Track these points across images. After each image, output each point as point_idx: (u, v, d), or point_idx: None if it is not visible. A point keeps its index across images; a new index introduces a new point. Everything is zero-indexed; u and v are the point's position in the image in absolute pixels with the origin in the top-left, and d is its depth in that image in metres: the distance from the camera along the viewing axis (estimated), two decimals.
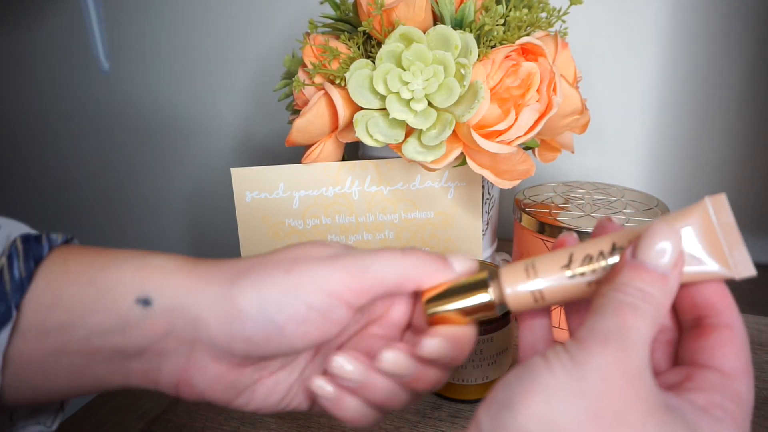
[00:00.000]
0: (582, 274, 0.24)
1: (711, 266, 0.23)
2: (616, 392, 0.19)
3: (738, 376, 0.22)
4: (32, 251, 0.25)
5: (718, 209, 0.23)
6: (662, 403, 0.20)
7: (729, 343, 0.23)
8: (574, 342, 0.21)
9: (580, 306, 0.27)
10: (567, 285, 0.24)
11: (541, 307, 0.26)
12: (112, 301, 0.25)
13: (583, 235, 0.44)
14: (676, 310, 0.25)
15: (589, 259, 0.24)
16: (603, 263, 0.24)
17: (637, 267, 0.22)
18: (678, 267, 0.22)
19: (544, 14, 0.46)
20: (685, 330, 0.24)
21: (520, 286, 0.25)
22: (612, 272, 0.23)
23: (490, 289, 0.26)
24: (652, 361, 0.24)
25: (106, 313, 0.25)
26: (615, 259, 0.24)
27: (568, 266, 0.24)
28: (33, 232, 0.27)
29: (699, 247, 0.23)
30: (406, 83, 0.41)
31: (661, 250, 0.22)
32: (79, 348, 0.25)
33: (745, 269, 0.23)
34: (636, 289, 0.22)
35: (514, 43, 0.43)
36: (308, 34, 0.47)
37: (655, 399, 0.20)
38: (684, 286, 0.24)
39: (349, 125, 0.45)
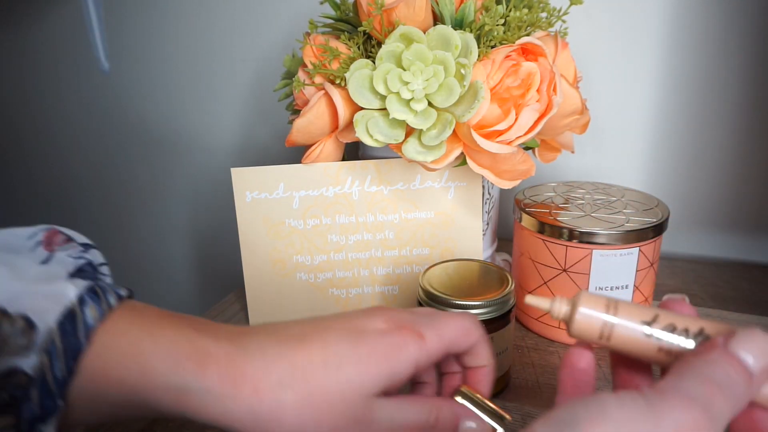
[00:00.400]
0: (658, 339, 0.24)
1: None
2: None
3: None
4: (73, 339, 0.25)
5: None
6: None
7: None
8: (653, 391, 0.21)
9: (631, 364, 0.27)
10: (638, 338, 0.24)
11: (599, 346, 0.26)
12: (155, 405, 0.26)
13: (585, 235, 0.44)
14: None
15: (672, 328, 0.24)
16: (683, 339, 0.24)
17: (729, 354, 0.22)
18: (765, 374, 0.23)
19: (544, 14, 0.46)
20: None
21: (595, 312, 0.25)
22: (700, 349, 0.23)
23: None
24: None
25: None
26: (692, 343, 0.24)
27: (649, 324, 0.24)
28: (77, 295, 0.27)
29: None
30: (406, 83, 0.41)
31: (754, 350, 0.22)
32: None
33: None
34: (725, 372, 0.22)
35: (514, 43, 0.43)
36: (308, 34, 0.47)
37: None
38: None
39: (349, 125, 0.45)
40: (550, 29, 0.46)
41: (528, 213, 0.47)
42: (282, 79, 0.52)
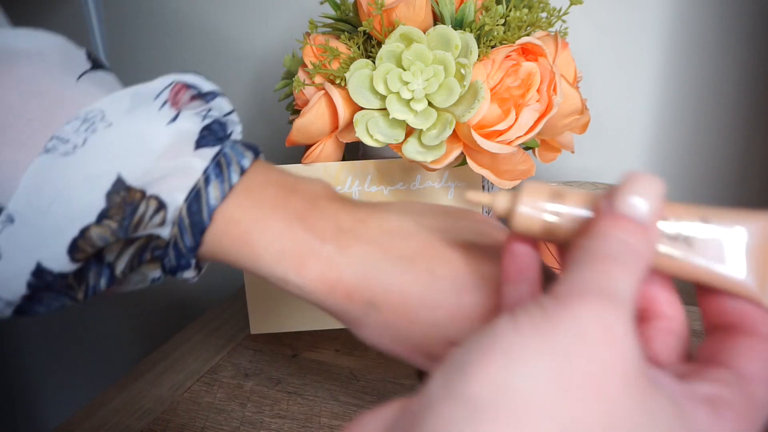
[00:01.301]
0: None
1: (743, 277, 0.21)
2: (593, 353, 0.16)
3: (760, 382, 0.20)
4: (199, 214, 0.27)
5: None
6: (648, 377, 0.17)
7: (760, 351, 0.20)
8: (549, 297, 0.18)
9: None
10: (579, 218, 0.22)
11: (547, 240, 0.23)
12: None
13: None
14: (702, 310, 0.23)
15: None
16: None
17: (615, 216, 0.20)
18: (658, 215, 0.20)
19: (544, 14, 0.46)
20: (709, 332, 0.22)
21: (539, 203, 0.22)
22: (588, 224, 0.21)
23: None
24: (650, 347, 0.22)
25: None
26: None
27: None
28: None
29: (743, 254, 0.21)
30: (406, 83, 0.41)
31: (641, 200, 0.20)
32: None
33: None
34: (617, 240, 0.19)
35: (514, 43, 0.43)
36: (308, 34, 0.47)
37: (638, 367, 0.17)
38: (716, 291, 0.22)
39: (349, 125, 0.45)
40: (550, 29, 0.46)
41: None
42: (282, 79, 0.52)
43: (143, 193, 0.26)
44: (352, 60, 0.44)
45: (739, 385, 0.19)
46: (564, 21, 0.47)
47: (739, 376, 0.20)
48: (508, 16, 0.43)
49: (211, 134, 0.28)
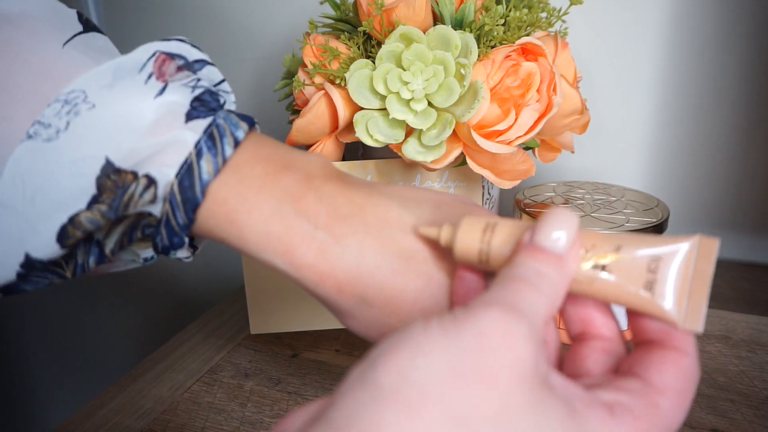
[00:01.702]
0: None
1: (661, 300, 0.22)
2: (489, 350, 0.17)
3: (665, 392, 0.20)
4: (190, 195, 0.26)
5: (704, 252, 0.23)
6: (543, 379, 0.18)
7: (672, 363, 0.21)
8: (461, 308, 0.19)
9: None
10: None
11: (484, 269, 0.25)
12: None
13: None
14: (629, 327, 0.24)
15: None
16: None
17: (533, 248, 0.21)
18: (574, 250, 0.22)
19: (544, 14, 0.46)
20: (634, 345, 0.23)
21: (472, 236, 0.24)
22: (509, 256, 0.22)
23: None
24: (583, 365, 0.23)
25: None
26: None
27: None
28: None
29: (665, 278, 0.22)
30: (406, 83, 0.41)
31: (557, 234, 0.21)
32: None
33: (694, 323, 0.21)
34: (531, 268, 0.21)
35: (514, 43, 0.43)
36: (308, 34, 0.47)
37: (534, 371, 0.18)
38: (635, 313, 0.23)
39: (349, 125, 0.45)
40: (550, 29, 0.46)
41: (528, 213, 0.47)
42: (282, 79, 0.52)
43: (135, 174, 0.25)
44: (352, 60, 0.44)
45: (644, 394, 0.20)
46: (564, 21, 0.47)
47: (646, 385, 0.21)
48: (508, 16, 0.43)
49: (203, 105, 0.27)
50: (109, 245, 0.27)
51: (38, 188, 0.24)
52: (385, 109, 0.42)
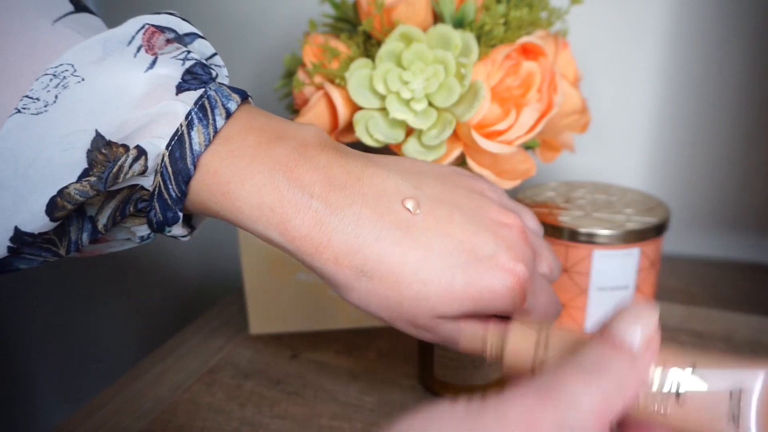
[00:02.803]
0: None
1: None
2: None
3: None
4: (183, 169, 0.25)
5: None
6: None
7: None
8: (498, 395, 0.17)
9: None
10: None
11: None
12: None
13: (585, 235, 0.44)
14: None
15: None
16: None
17: (603, 339, 0.19)
18: (650, 349, 0.19)
19: (544, 14, 0.46)
20: None
21: (525, 347, 0.22)
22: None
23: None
24: None
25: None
26: None
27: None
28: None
29: (749, 408, 0.19)
30: (406, 83, 0.41)
31: (633, 327, 0.19)
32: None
33: None
34: (594, 355, 0.18)
35: (514, 42, 0.42)
36: (308, 33, 0.47)
37: None
38: None
39: (349, 125, 0.45)
40: (550, 29, 0.46)
41: None
42: (281, 79, 0.52)
43: (126, 147, 0.24)
44: (351, 60, 0.44)
45: None
46: (564, 21, 0.47)
47: None
48: (508, 15, 0.43)
49: (194, 78, 0.26)
50: (102, 221, 0.27)
51: (30, 163, 0.24)
52: (385, 108, 0.42)
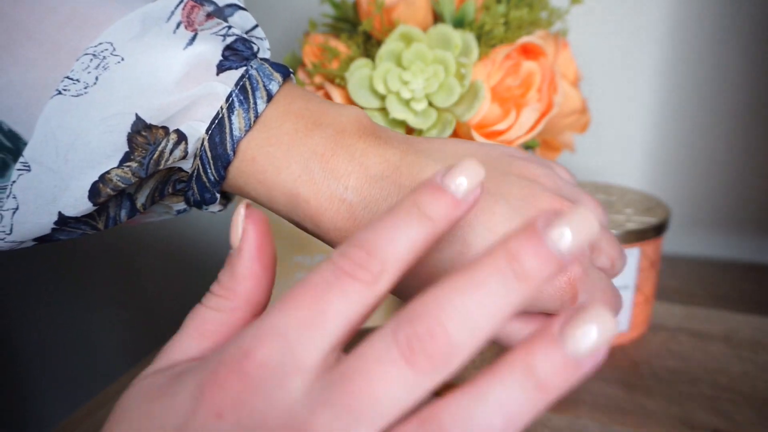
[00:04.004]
0: None
1: None
2: None
3: None
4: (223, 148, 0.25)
5: None
6: None
7: None
8: None
9: None
10: None
11: None
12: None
13: None
14: None
15: None
16: None
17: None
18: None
19: (544, 13, 0.46)
20: None
21: None
22: None
23: None
24: None
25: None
26: None
27: None
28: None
29: None
30: (406, 83, 0.41)
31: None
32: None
33: None
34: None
35: (514, 42, 0.42)
36: (308, 33, 0.47)
37: None
38: None
39: None
40: (550, 29, 0.46)
41: None
42: None
43: (166, 130, 0.24)
44: (351, 59, 0.44)
45: None
46: (564, 21, 0.47)
47: None
48: (508, 15, 0.43)
49: (235, 54, 0.25)
50: (141, 200, 0.26)
51: (70, 146, 0.23)
52: (385, 108, 0.42)
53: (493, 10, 0.42)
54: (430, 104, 0.42)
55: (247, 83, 0.25)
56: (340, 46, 0.45)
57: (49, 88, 0.23)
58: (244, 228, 0.20)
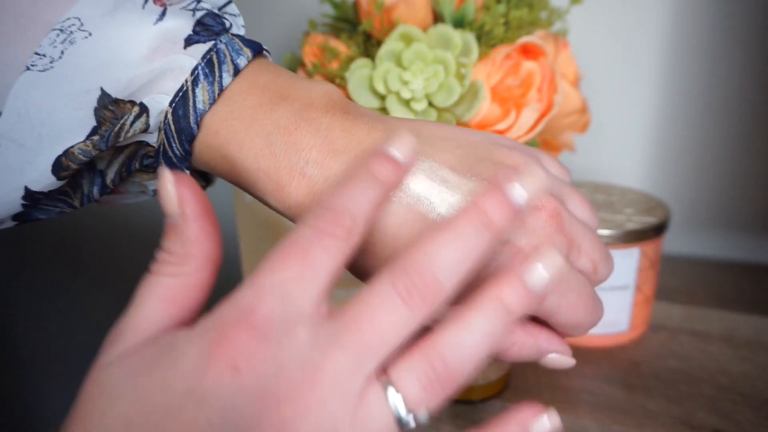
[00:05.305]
0: None
1: None
2: None
3: None
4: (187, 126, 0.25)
5: None
6: None
7: None
8: None
9: None
10: None
11: None
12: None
13: None
14: None
15: None
16: None
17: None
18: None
19: (544, 13, 0.46)
20: None
21: None
22: None
23: None
24: None
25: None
26: None
27: None
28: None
29: None
30: (406, 83, 0.41)
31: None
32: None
33: None
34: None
35: (514, 42, 0.42)
36: (308, 33, 0.47)
37: None
38: None
39: None
40: (550, 29, 0.46)
41: None
42: None
43: (133, 103, 0.24)
44: (351, 59, 0.44)
45: None
46: (564, 21, 0.47)
47: None
48: (508, 15, 0.43)
49: (205, 29, 0.25)
50: (110, 175, 0.26)
51: (40, 121, 0.23)
52: (385, 108, 0.42)
53: (493, 10, 0.42)
54: (430, 104, 0.42)
55: (215, 57, 0.24)
56: (340, 46, 0.45)
57: (20, 63, 0.23)
58: (179, 193, 0.21)
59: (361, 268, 0.25)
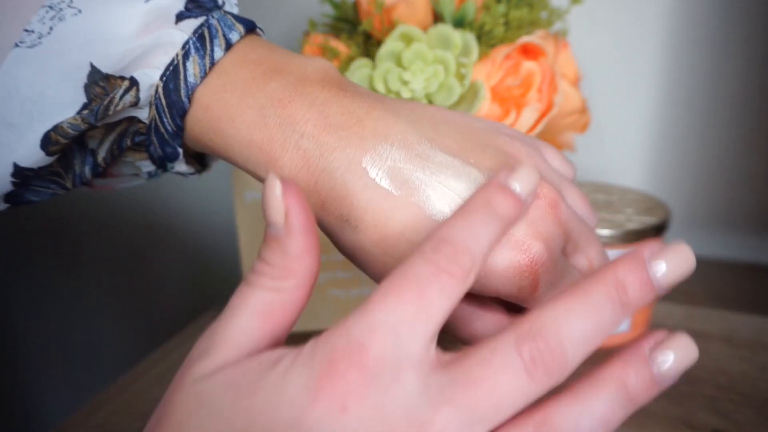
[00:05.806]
0: None
1: None
2: None
3: None
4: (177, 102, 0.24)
5: None
6: None
7: None
8: None
9: None
10: None
11: None
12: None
13: None
14: None
15: None
16: None
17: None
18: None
19: (544, 13, 0.46)
20: None
21: None
22: None
23: None
24: None
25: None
26: None
27: None
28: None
29: None
30: (406, 83, 0.41)
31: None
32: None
33: None
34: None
35: (514, 42, 0.42)
36: (308, 33, 0.47)
37: None
38: None
39: None
40: (550, 29, 0.46)
41: None
42: None
43: (123, 78, 0.24)
44: (351, 59, 0.44)
45: None
46: (564, 21, 0.47)
47: None
48: (508, 15, 0.43)
49: (197, 6, 0.25)
50: (101, 153, 0.26)
51: (29, 99, 0.23)
52: None
53: (493, 10, 0.42)
54: (430, 104, 0.42)
55: (206, 32, 0.24)
56: (340, 46, 0.45)
57: (11, 42, 0.23)
58: (287, 203, 0.19)
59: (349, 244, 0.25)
